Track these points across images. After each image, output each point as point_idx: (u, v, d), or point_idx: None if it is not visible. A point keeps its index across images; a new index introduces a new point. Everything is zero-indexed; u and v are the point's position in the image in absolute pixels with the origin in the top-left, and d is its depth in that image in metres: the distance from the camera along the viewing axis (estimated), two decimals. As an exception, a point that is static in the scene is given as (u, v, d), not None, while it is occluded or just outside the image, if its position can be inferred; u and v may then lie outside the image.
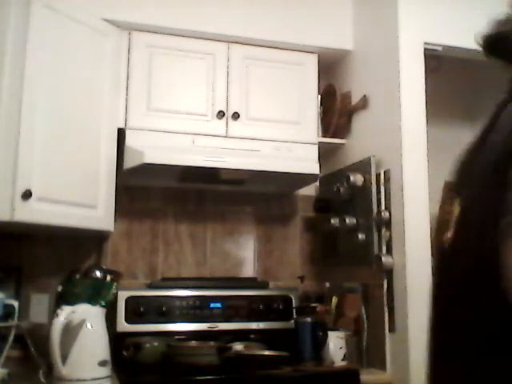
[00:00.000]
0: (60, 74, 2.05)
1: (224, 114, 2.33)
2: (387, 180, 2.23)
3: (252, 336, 2.35)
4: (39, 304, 2.27)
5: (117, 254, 2.44)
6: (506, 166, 0.65)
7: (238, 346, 2.21)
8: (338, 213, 2.44)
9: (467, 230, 0.75)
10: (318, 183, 2.66)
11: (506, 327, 0.65)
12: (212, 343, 2.13)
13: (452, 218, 0.80)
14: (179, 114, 2.30)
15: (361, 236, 2.29)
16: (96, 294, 2.04)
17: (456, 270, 0.76)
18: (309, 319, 2.25)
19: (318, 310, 2.31)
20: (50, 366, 1.88)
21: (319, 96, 2.62)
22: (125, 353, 2.10)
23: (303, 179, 2.45)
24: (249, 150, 2.33)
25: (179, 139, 2.26)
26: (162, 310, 2.28)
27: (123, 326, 2.24)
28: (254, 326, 2.40)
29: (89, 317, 1.95)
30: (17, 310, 1.95)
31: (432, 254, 1.09)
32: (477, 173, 0.77)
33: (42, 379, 1.86)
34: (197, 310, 2.35)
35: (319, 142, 2.49)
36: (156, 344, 2.12)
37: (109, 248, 2.44)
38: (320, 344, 2.18)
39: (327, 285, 2.49)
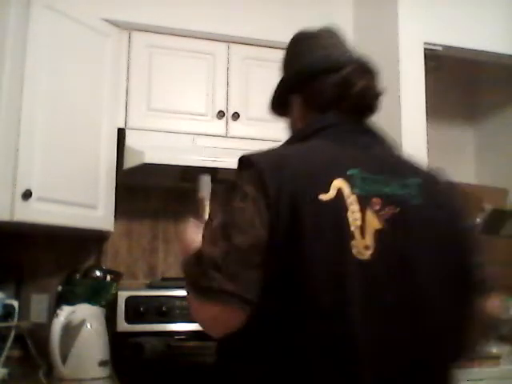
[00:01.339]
0: (60, 74, 2.05)
1: (224, 114, 2.33)
2: (387, 180, 2.22)
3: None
4: (39, 304, 2.27)
5: (117, 254, 2.44)
6: None
7: (238, 346, 2.21)
8: (338, 213, 2.44)
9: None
10: (318, 183, 2.65)
11: None
12: (212, 343, 2.12)
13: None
14: (179, 114, 2.30)
15: (361, 236, 2.29)
16: (96, 294, 2.05)
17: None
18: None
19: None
20: (50, 366, 1.89)
21: (319, 96, 2.61)
22: (125, 353, 2.10)
23: (303, 179, 2.45)
24: (249, 150, 2.32)
25: (179, 139, 2.26)
26: (162, 310, 2.28)
27: (123, 326, 2.23)
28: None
29: (89, 317, 1.95)
30: (17, 310, 1.95)
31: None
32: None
33: (42, 379, 1.86)
34: (197, 309, 2.34)
35: (319, 142, 2.49)
36: (156, 344, 2.12)
37: (109, 248, 2.43)
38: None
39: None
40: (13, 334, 1.93)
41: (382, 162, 1.06)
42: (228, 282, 0.91)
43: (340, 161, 1.02)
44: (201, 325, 1.02)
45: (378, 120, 2.44)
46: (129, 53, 2.30)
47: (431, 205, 1.03)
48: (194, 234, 1.10)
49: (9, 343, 1.91)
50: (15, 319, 1.94)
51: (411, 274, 0.97)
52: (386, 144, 1.14)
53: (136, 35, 2.31)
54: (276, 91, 1.28)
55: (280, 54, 2.46)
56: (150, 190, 2.53)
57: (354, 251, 0.94)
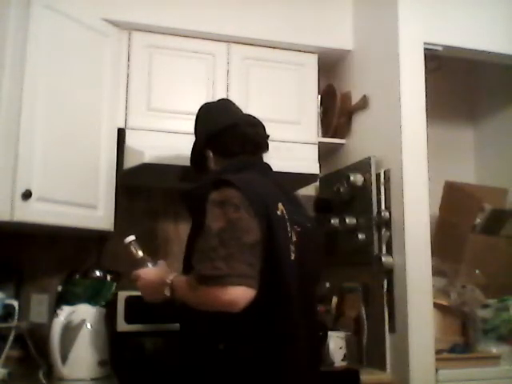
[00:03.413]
0: (60, 74, 2.05)
1: (224, 114, 2.33)
2: (387, 180, 2.23)
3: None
4: (39, 304, 2.27)
5: (117, 254, 2.44)
6: None
7: (238, 346, 2.21)
8: (338, 213, 2.44)
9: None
10: (318, 183, 2.66)
11: None
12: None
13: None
14: (179, 114, 2.29)
15: (361, 236, 2.29)
16: (96, 294, 2.05)
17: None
18: (309, 319, 2.26)
19: (318, 310, 2.30)
20: (50, 366, 1.89)
21: (319, 96, 2.62)
22: (125, 353, 2.10)
23: (303, 179, 2.45)
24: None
25: (179, 139, 2.25)
26: (162, 310, 2.28)
27: (123, 326, 2.23)
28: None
29: (89, 317, 1.95)
30: (17, 310, 1.95)
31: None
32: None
33: (42, 379, 1.86)
34: (197, 309, 2.34)
35: (319, 142, 2.49)
36: (156, 344, 2.11)
37: (109, 248, 2.43)
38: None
39: (327, 285, 2.49)
40: (13, 334, 1.93)
41: (286, 193, 1.59)
42: (248, 269, 1.30)
43: (275, 189, 1.52)
44: (221, 307, 1.30)
45: (378, 119, 2.45)
46: (129, 53, 2.30)
47: (313, 226, 1.61)
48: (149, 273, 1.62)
49: (9, 343, 1.91)
50: (15, 319, 1.94)
51: (306, 265, 1.50)
52: (271, 169, 1.64)
53: (136, 35, 2.32)
54: (193, 151, 1.69)
55: (280, 54, 2.50)
56: (150, 190, 2.53)
57: (290, 252, 1.44)
